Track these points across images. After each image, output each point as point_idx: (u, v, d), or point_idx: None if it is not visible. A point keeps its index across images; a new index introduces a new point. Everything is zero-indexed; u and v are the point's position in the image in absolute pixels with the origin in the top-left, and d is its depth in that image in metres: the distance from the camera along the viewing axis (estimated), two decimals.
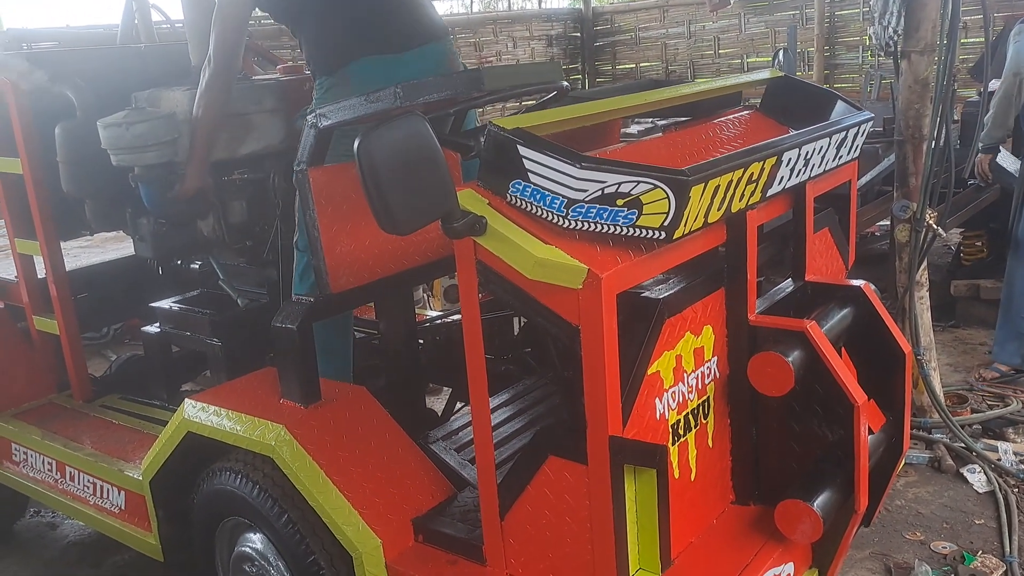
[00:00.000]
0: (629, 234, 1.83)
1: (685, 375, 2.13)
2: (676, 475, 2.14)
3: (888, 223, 4.49)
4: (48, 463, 3.43)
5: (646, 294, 2.04)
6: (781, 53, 2.87)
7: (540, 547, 2.10)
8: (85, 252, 4.25)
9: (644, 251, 1.89)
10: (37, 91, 3.36)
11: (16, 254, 3.63)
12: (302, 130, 2.94)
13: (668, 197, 1.77)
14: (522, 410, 2.96)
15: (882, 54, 4.46)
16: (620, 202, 1.80)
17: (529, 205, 1.88)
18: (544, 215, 1.87)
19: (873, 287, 2.42)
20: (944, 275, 5.94)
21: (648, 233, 1.82)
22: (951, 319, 5.71)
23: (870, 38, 4.66)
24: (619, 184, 1.79)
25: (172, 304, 3.55)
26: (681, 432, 2.14)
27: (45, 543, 3.97)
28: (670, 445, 2.10)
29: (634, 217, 1.81)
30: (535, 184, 1.86)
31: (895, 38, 4.09)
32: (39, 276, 3.65)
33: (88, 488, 3.27)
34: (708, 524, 2.29)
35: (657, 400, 2.04)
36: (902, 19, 4.02)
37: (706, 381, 2.21)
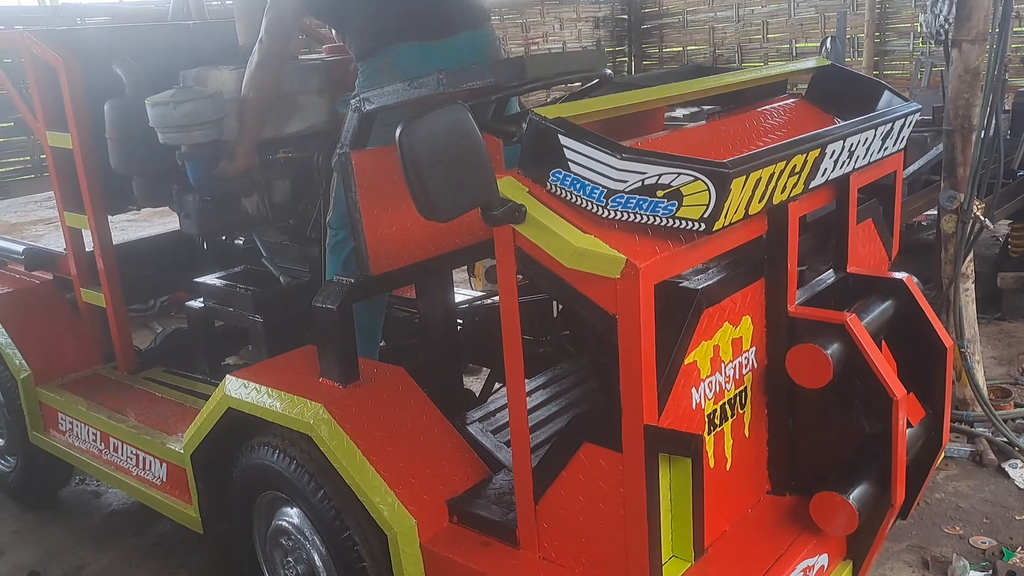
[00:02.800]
0: (669, 225, 1.83)
1: (722, 365, 2.12)
2: (711, 464, 2.14)
3: (935, 213, 4.43)
4: (93, 434, 3.51)
5: (685, 284, 2.03)
6: (828, 41, 2.82)
7: (573, 532, 2.12)
8: (132, 226, 4.31)
9: (683, 242, 1.88)
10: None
11: (65, 227, 3.70)
12: (343, 115, 2.97)
13: (709, 189, 1.77)
14: (559, 393, 2.97)
15: (933, 42, 4.39)
16: (660, 193, 1.80)
17: (569, 194, 1.88)
18: (584, 204, 1.87)
19: (916, 280, 2.40)
20: (991, 267, 5.85)
21: (688, 224, 1.82)
22: (997, 311, 5.63)
23: (921, 25, 4.60)
24: (659, 175, 1.78)
25: (216, 280, 3.60)
26: (717, 422, 2.14)
27: (89, 510, 4.06)
28: (706, 435, 2.11)
29: (674, 208, 1.80)
30: (575, 174, 1.86)
31: (946, 26, 4.03)
32: (87, 249, 3.71)
33: (131, 459, 3.34)
34: (743, 513, 2.29)
35: (694, 390, 2.05)
36: (953, 7, 3.95)
37: (743, 371, 2.20)
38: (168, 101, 3.05)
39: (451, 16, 3.10)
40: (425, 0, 3.06)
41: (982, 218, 4.02)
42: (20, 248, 3.94)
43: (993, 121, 3.87)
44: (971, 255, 4.16)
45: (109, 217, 3.63)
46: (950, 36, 4.02)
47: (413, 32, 3.02)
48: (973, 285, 4.24)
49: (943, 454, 2.47)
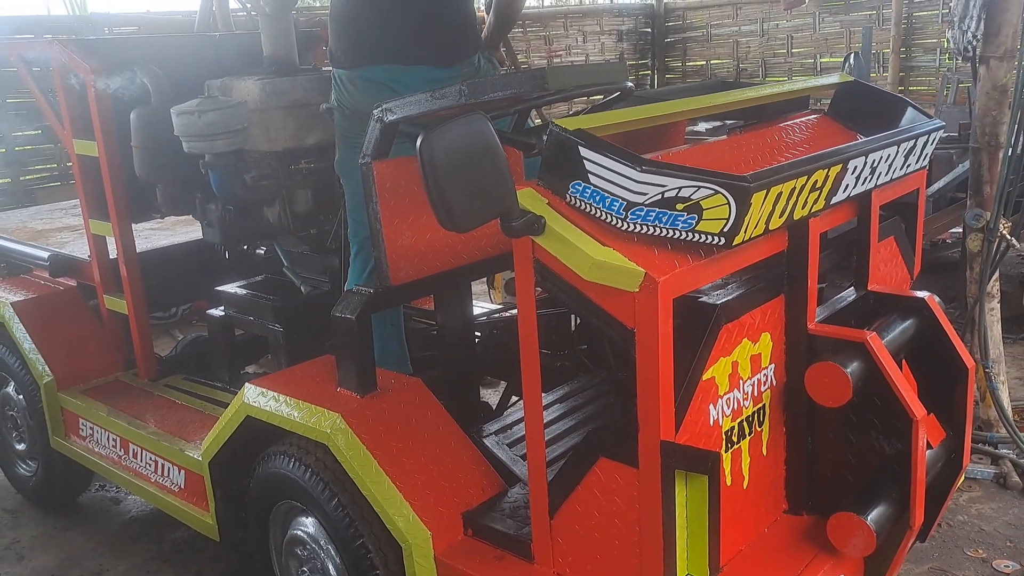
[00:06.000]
0: (688, 239, 1.82)
1: (741, 382, 2.11)
2: (728, 482, 2.12)
3: (960, 231, 4.39)
4: (113, 439, 3.53)
5: (703, 299, 2.02)
6: (852, 57, 2.81)
7: (588, 547, 2.10)
8: (156, 234, 4.34)
9: (703, 256, 1.87)
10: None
11: (89, 234, 3.73)
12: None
13: (729, 203, 1.76)
14: (576, 408, 2.96)
15: (960, 58, 4.35)
16: (680, 206, 1.79)
17: (588, 206, 1.88)
18: (603, 217, 1.87)
19: (938, 299, 2.37)
20: (1017, 286, 5.78)
21: (707, 238, 1.81)
22: (1023, 332, 5.57)
23: (948, 41, 4.57)
24: (679, 188, 1.78)
25: (237, 288, 3.62)
26: (735, 439, 2.13)
27: (108, 517, 4.08)
28: (723, 452, 2.09)
29: (694, 222, 1.80)
30: (595, 185, 1.86)
31: (974, 43, 4.00)
32: (111, 256, 3.74)
33: (150, 466, 3.35)
34: (759, 532, 2.27)
35: (711, 406, 2.03)
36: (982, 23, 3.93)
37: (762, 388, 2.19)
38: (193, 110, 3.08)
39: (456, 45, 3.11)
40: (433, 27, 3.07)
41: (1008, 237, 3.99)
42: (45, 254, 3.97)
43: (1021, 139, 3.84)
44: (997, 274, 4.12)
45: (133, 225, 3.65)
46: (978, 52, 4.00)
47: (417, 56, 3.02)
48: (999, 305, 4.20)
49: (963, 476, 2.43)
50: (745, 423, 2.15)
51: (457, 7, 3.14)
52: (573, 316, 3.33)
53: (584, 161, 1.85)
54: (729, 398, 2.08)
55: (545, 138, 1.94)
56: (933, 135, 2.40)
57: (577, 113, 2.45)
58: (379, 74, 3.01)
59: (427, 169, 1.75)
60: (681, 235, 1.82)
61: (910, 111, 2.48)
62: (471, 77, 3.06)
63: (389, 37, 3.01)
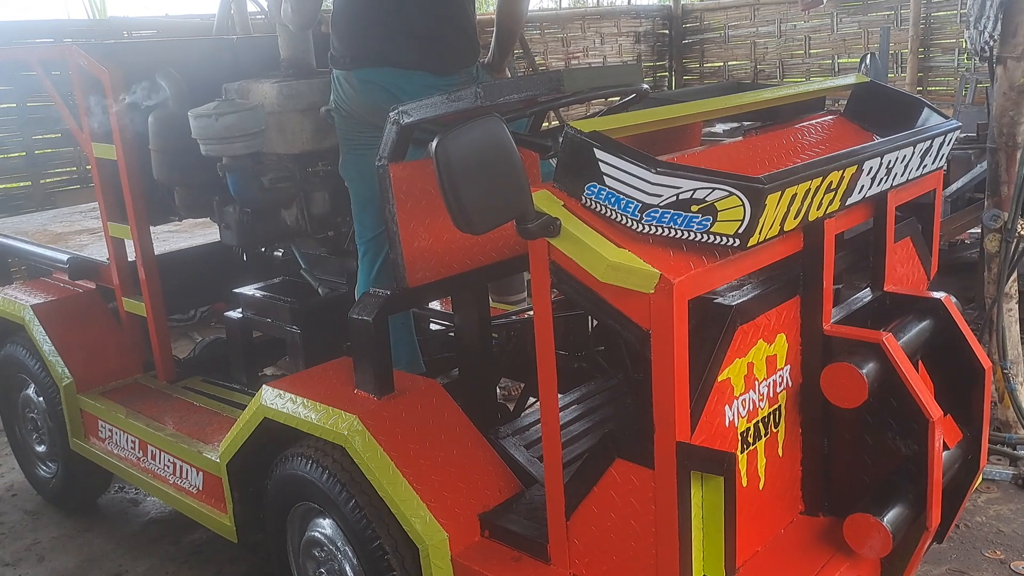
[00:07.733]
0: (703, 240, 1.83)
1: (756, 383, 2.11)
2: (744, 483, 2.12)
3: (978, 231, 4.38)
4: (131, 441, 3.55)
5: (719, 300, 2.02)
6: (868, 58, 2.82)
7: (604, 548, 2.11)
8: (174, 236, 4.37)
9: (718, 257, 1.88)
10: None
11: (108, 237, 3.76)
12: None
13: (743, 204, 1.76)
14: (593, 409, 2.96)
15: (977, 58, 4.34)
16: (695, 208, 1.80)
17: (604, 208, 1.88)
18: (618, 218, 1.87)
19: (955, 299, 2.37)
20: None
21: (722, 240, 1.81)
22: None
23: (966, 41, 4.55)
24: (694, 190, 1.78)
25: (254, 291, 3.64)
26: (751, 440, 2.13)
27: (128, 518, 4.10)
28: (739, 453, 2.09)
29: (708, 223, 1.80)
30: (610, 187, 1.86)
31: (991, 43, 3.98)
32: (129, 259, 3.77)
33: (168, 467, 3.37)
34: (775, 533, 2.27)
35: (727, 407, 2.03)
36: (998, 23, 3.91)
37: (778, 390, 2.19)
38: (210, 113, 3.10)
39: (456, 54, 3.12)
40: (436, 35, 3.08)
41: None
42: (64, 257, 4.00)
43: None
44: (1015, 274, 4.10)
45: (151, 227, 3.68)
46: (995, 53, 3.98)
47: (419, 63, 3.04)
48: (1017, 305, 4.18)
49: (981, 477, 2.43)
50: (761, 424, 2.15)
51: (459, 17, 3.16)
52: (590, 317, 3.34)
53: (599, 163, 1.86)
54: (745, 399, 2.08)
55: (560, 140, 1.94)
56: (949, 135, 2.40)
57: (594, 115, 2.46)
58: (379, 76, 3.02)
59: (443, 171, 1.76)
60: (696, 236, 1.83)
61: (926, 112, 2.48)
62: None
63: (392, 42, 3.02)
